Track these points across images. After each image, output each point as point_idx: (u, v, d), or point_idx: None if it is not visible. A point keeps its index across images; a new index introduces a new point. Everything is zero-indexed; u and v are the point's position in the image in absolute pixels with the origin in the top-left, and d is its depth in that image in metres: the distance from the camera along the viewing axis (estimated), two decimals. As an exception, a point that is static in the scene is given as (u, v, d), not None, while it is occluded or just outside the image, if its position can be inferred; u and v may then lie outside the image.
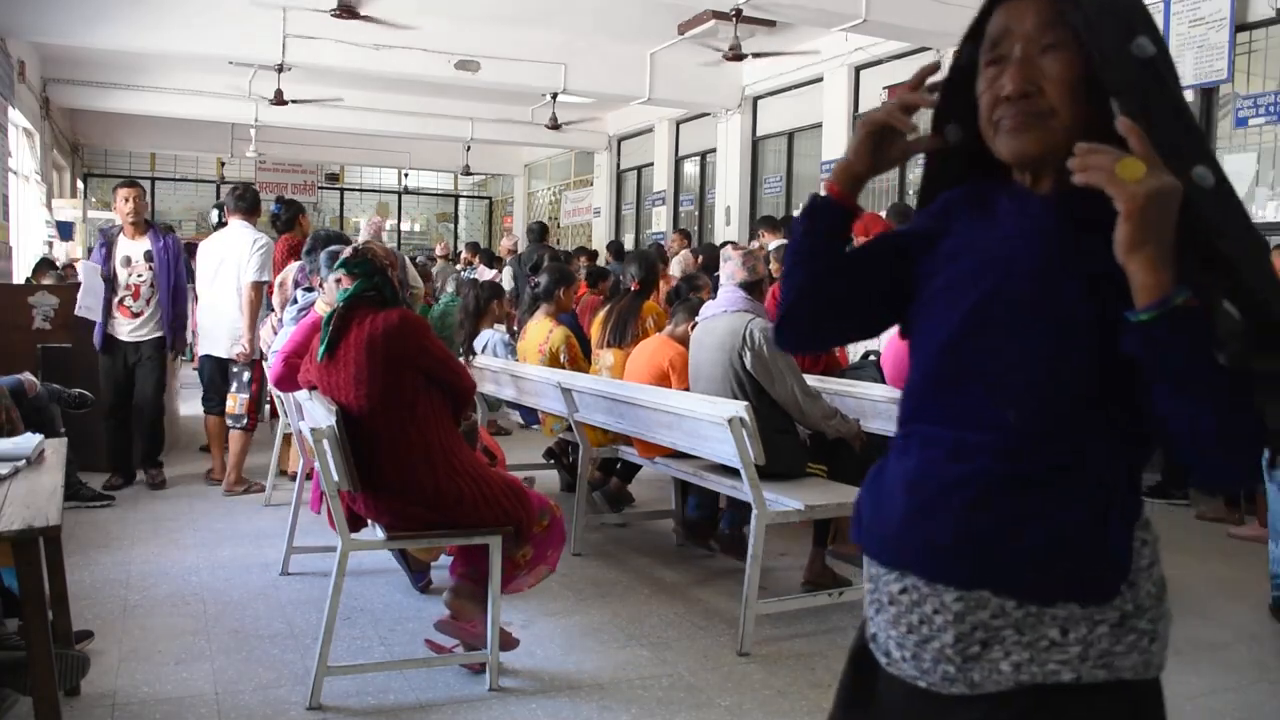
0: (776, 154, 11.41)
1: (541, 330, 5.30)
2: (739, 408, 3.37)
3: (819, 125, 10.30)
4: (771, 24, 8.92)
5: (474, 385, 3.28)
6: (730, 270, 4.13)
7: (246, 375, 5.54)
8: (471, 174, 17.39)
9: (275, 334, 4.87)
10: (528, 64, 10.32)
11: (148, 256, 5.41)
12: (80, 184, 15.73)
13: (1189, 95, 6.70)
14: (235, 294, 5.55)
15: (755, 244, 8.02)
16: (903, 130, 1.24)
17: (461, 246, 14.85)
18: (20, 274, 8.89)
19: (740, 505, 4.07)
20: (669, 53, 10.54)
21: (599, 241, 13.89)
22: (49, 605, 2.44)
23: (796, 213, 1.47)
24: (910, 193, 8.91)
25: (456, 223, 19.95)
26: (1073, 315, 1.09)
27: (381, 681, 3.04)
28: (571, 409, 4.44)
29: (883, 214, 7.27)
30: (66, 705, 2.72)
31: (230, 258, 5.60)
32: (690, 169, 13.22)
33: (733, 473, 3.59)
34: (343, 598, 3.03)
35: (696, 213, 12.88)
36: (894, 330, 1.36)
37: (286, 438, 5.21)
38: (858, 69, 9.81)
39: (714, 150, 12.19)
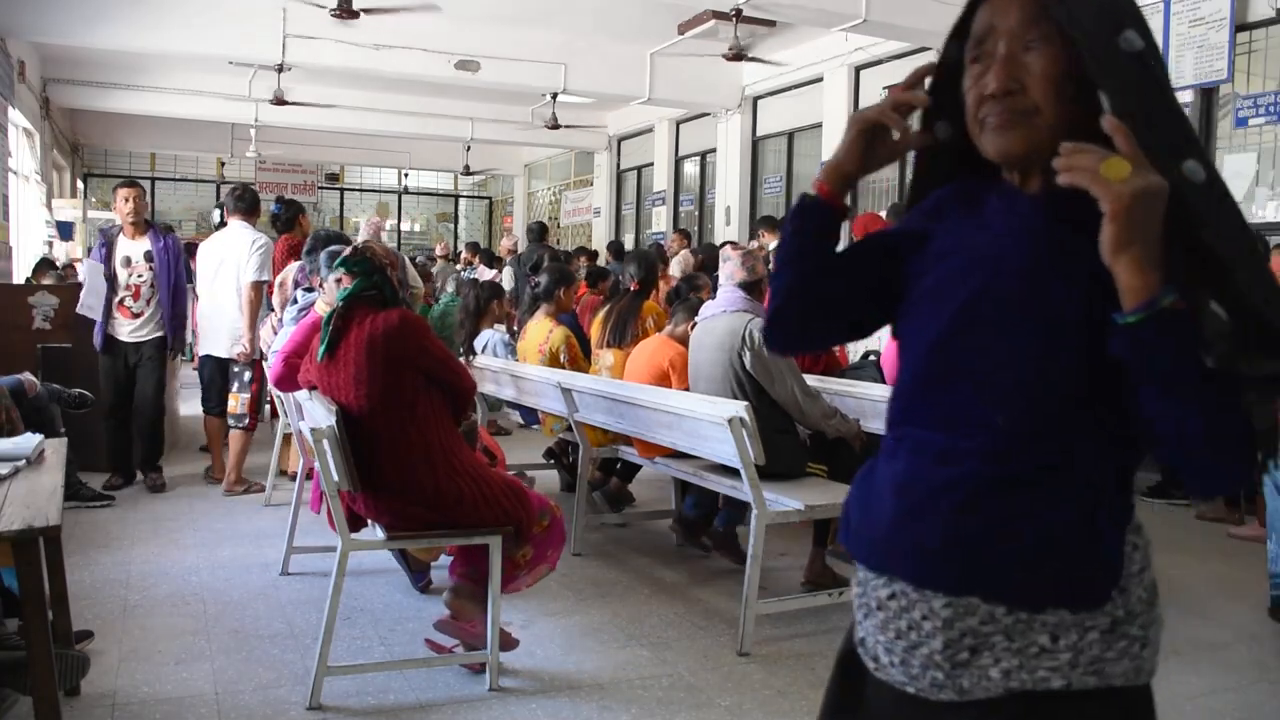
0: (776, 154, 11.41)
1: (541, 330, 5.31)
2: (739, 408, 3.37)
3: (819, 125, 10.30)
4: (771, 24, 8.93)
5: (474, 386, 3.28)
6: (729, 270, 4.13)
7: (247, 375, 5.55)
8: (471, 174, 17.38)
9: (275, 334, 4.87)
10: (528, 64, 10.32)
11: (148, 257, 5.41)
12: (80, 184, 15.74)
13: (1189, 95, 6.70)
14: (235, 294, 5.56)
15: (755, 244, 8.02)
16: (895, 130, 1.23)
17: (461, 246, 14.86)
18: (20, 274, 8.89)
19: (736, 504, 4.08)
20: (669, 53, 10.54)
21: (599, 241, 13.89)
22: (49, 605, 2.44)
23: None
24: (910, 193, 8.89)
25: (456, 223, 19.95)
26: (1061, 315, 1.08)
27: (381, 681, 3.04)
28: (571, 409, 4.44)
29: (883, 214, 7.27)
30: (66, 705, 2.72)
31: (230, 258, 5.61)
32: (690, 169, 13.22)
33: (733, 473, 3.59)
34: (343, 598, 3.03)
35: (696, 213, 12.88)
36: None
37: (286, 438, 5.21)
38: (858, 69, 9.81)
39: (714, 150, 12.19)
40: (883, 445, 1.23)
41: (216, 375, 5.70)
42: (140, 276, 5.41)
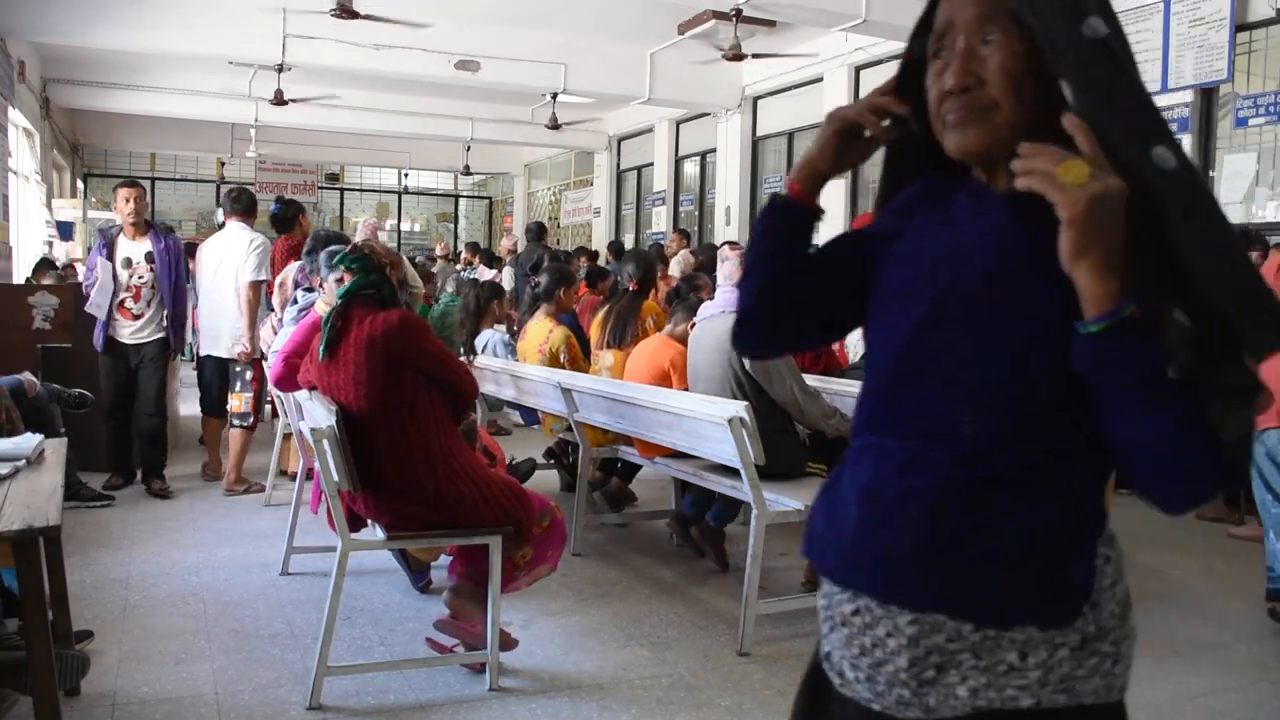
0: (776, 154, 11.41)
1: (541, 330, 5.31)
2: (739, 408, 3.37)
3: (819, 125, 10.27)
4: (771, 24, 8.92)
5: (476, 387, 3.27)
6: (728, 270, 4.14)
7: (248, 374, 5.56)
8: (471, 174, 17.38)
9: (275, 334, 4.87)
10: (528, 64, 10.32)
11: (148, 258, 5.40)
12: (80, 184, 15.73)
13: (1189, 95, 6.70)
14: (234, 294, 5.57)
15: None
16: (870, 130, 1.22)
17: (461, 246, 14.86)
18: (20, 274, 8.88)
19: (729, 502, 4.07)
20: (669, 53, 10.54)
21: (599, 241, 13.88)
22: (49, 605, 2.44)
23: None
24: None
25: (456, 223, 19.94)
26: (1026, 313, 1.06)
27: (381, 681, 3.05)
28: (571, 409, 4.44)
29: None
30: (66, 705, 2.72)
31: (228, 259, 5.62)
32: (690, 169, 13.22)
33: (733, 473, 3.59)
34: (343, 598, 3.03)
35: (696, 213, 12.88)
36: None
37: (286, 437, 5.22)
38: (858, 69, 9.81)
39: (714, 150, 12.19)
40: (848, 452, 1.20)
41: (216, 376, 5.70)
42: (141, 278, 5.40)
